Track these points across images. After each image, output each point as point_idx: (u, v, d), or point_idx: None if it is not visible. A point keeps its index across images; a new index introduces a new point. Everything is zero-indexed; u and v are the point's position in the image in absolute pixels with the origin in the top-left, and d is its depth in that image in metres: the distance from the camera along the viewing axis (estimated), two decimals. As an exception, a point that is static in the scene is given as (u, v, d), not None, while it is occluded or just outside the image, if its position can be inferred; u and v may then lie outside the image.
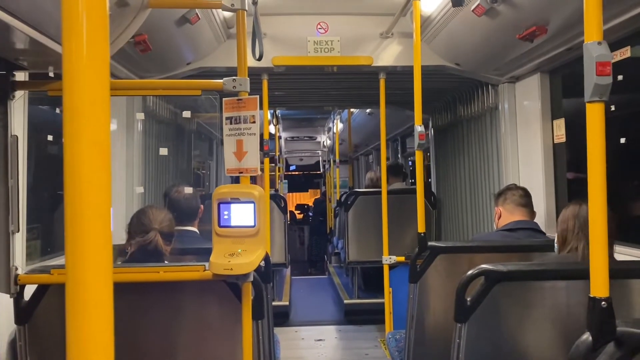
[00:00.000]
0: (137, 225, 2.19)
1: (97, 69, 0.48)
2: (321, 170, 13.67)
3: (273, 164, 9.01)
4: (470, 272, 1.79)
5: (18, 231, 1.75)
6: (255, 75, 3.27)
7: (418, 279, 2.51)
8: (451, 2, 2.61)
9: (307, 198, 14.93)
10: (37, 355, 1.79)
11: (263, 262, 1.85)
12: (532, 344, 1.80)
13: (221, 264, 1.61)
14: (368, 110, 6.91)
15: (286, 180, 10.89)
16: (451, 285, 2.02)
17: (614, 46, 2.39)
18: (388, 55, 3.58)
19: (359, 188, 10.41)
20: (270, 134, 5.14)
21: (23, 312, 1.77)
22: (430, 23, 3.23)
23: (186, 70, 3.43)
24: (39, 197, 2.37)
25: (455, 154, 4.62)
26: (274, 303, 4.89)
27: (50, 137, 2.63)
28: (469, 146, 4.27)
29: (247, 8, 1.80)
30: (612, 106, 2.72)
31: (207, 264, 1.68)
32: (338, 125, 8.58)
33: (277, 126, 8.30)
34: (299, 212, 13.34)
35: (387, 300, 3.63)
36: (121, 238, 2.29)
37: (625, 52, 2.43)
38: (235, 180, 1.81)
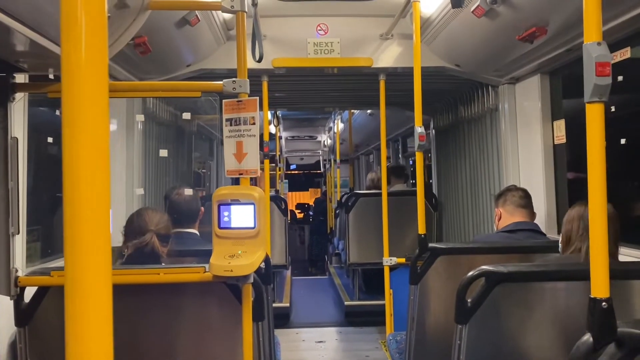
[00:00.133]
0: (133, 227, 2.19)
1: (96, 71, 0.48)
2: (322, 169, 13.67)
3: (273, 164, 9.01)
4: (470, 273, 1.79)
5: (18, 233, 1.75)
6: (255, 76, 3.28)
7: (419, 280, 2.51)
8: (451, 4, 2.61)
9: (308, 197, 14.93)
10: (38, 357, 1.78)
11: (263, 263, 1.85)
12: (533, 345, 1.80)
13: (221, 266, 1.61)
14: (369, 111, 6.91)
15: (286, 180, 10.89)
16: (452, 287, 2.02)
17: (613, 47, 2.39)
18: (388, 56, 3.58)
19: (360, 188, 10.46)
20: (270, 134, 5.15)
21: (23, 314, 1.76)
22: (430, 24, 3.24)
23: (186, 72, 3.43)
24: (39, 199, 2.37)
25: (455, 155, 4.62)
26: (274, 304, 4.89)
27: (50, 139, 2.63)
28: (469, 147, 4.27)
29: (247, 10, 1.80)
30: (612, 107, 2.72)
31: (207, 266, 1.68)
32: (339, 125, 8.59)
33: (278, 126, 8.31)
34: (299, 211, 13.34)
35: (388, 301, 3.63)
36: (119, 240, 2.30)
37: (625, 53, 2.43)
38: (236, 181, 1.81)
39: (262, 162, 3.25)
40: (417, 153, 2.81)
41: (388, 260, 3.65)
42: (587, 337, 1.12)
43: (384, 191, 3.82)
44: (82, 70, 0.47)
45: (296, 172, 15.09)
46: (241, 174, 1.75)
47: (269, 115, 4.81)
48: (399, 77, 3.72)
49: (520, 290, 1.81)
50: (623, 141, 2.80)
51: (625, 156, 2.86)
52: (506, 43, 2.89)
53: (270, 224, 4.64)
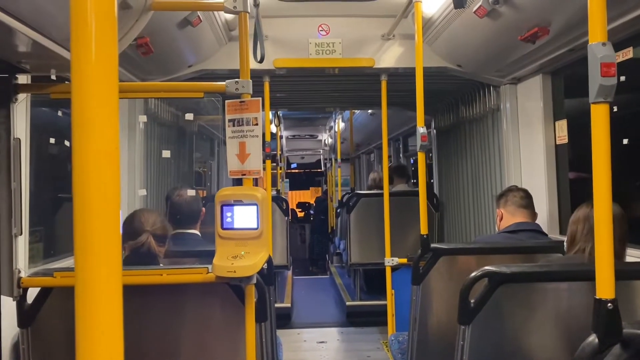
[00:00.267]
0: (129, 228, 2.19)
1: (106, 72, 0.48)
2: (322, 168, 13.68)
3: (274, 164, 9.00)
4: (473, 273, 1.78)
5: (21, 234, 1.75)
6: (256, 77, 3.28)
7: (421, 280, 2.50)
8: (453, 4, 2.61)
9: (309, 196, 14.92)
10: (40, 358, 1.78)
11: (265, 264, 1.85)
12: (536, 346, 1.80)
13: (224, 267, 1.60)
14: (370, 110, 6.92)
15: (287, 179, 10.88)
16: (454, 287, 2.02)
17: (616, 47, 2.38)
18: (390, 57, 3.58)
19: (361, 187, 10.46)
20: (271, 133, 5.15)
21: (26, 315, 1.76)
22: (431, 25, 3.23)
23: (188, 73, 3.42)
24: (41, 200, 2.36)
25: (457, 155, 4.62)
26: (275, 305, 4.88)
27: (52, 140, 2.63)
28: (471, 147, 4.27)
29: (249, 10, 1.80)
30: (614, 107, 2.72)
31: (210, 267, 1.68)
32: (339, 125, 8.59)
33: (279, 126, 8.31)
34: (300, 210, 13.34)
35: (390, 302, 3.63)
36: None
37: (627, 53, 2.43)
38: (237, 181, 1.81)
39: (263, 162, 3.24)
40: (419, 153, 2.80)
41: (390, 261, 3.64)
42: (593, 338, 1.11)
43: (386, 191, 3.82)
44: (92, 71, 0.47)
45: (297, 171, 15.09)
46: (244, 175, 1.75)
47: (270, 115, 4.81)
48: (401, 78, 3.72)
49: (523, 290, 1.80)
50: (625, 141, 2.80)
51: (627, 156, 2.86)
52: (508, 43, 2.88)
53: (272, 225, 4.64)
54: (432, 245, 2.55)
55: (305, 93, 4.86)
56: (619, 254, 1.87)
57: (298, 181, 14.87)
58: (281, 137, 9.69)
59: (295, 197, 14.70)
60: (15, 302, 1.75)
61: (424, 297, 2.51)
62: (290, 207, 7.94)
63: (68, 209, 2.74)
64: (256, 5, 2.03)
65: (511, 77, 3.54)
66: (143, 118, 3.39)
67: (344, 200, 5.64)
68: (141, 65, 2.99)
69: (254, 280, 1.68)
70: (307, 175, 15.25)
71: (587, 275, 1.57)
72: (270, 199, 3.72)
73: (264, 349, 1.88)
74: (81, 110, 0.48)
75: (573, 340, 1.61)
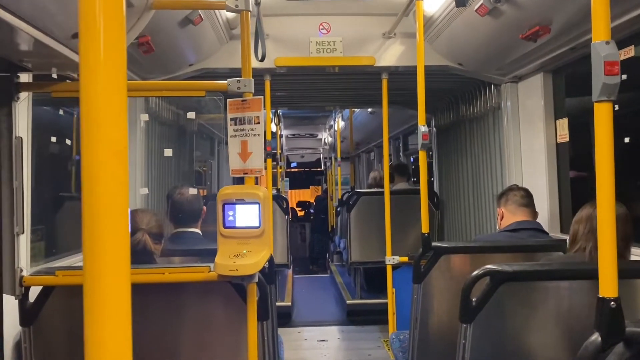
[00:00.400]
0: None
1: (114, 71, 0.48)
2: (322, 167, 13.68)
3: (275, 162, 9.00)
4: (475, 272, 1.78)
5: (23, 233, 1.75)
6: (257, 76, 3.27)
7: (422, 279, 2.50)
8: (455, 2, 2.61)
9: (309, 195, 14.92)
10: (42, 357, 1.79)
11: (267, 263, 1.85)
12: (538, 345, 1.80)
13: (226, 265, 1.61)
14: (370, 109, 6.92)
15: (287, 178, 10.88)
16: (455, 286, 2.02)
17: (618, 45, 2.38)
18: (390, 55, 3.57)
19: (361, 185, 10.46)
20: (271, 132, 5.14)
21: (28, 314, 1.76)
22: (433, 23, 3.23)
23: (189, 72, 3.42)
24: (43, 199, 2.36)
25: (457, 154, 4.62)
26: (276, 303, 4.88)
27: (54, 138, 2.63)
28: (471, 146, 4.27)
29: (250, 9, 1.80)
30: (616, 105, 2.71)
31: (212, 265, 1.68)
32: (339, 123, 8.58)
33: (279, 125, 8.31)
34: (300, 209, 13.34)
35: (390, 300, 3.63)
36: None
37: (629, 52, 2.42)
38: (238, 180, 1.81)
39: (264, 161, 3.24)
40: (420, 152, 2.80)
41: (391, 259, 3.64)
42: (596, 337, 1.11)
43: (387, 189, 3.82)
44: (101, 70, 0.47)
45: (297, 169, 15.08)
46: (246, 173, 1.75)
47: (270, 114, 4.81)
48: (401, 76, 3.72)
49: (524, 289, 1.80)
50: (627, 140, 2.80)
51: (628, 155, 2.86)
52: (509, 42, 2.88)
53: (272, 224, 4.63)
54: (433, 243, 2.55)
55: (305, 92, 4.85)
56: (622, 254, 1.87)
57: (298, 180, 14.87)
58: (281, 136, 9.68)
59: (295, 196, 14.70)
60: (17, 301, 1.75)
61: (425, 295, 2.51)
62: (290, 206, 7.93)
63: (70, 208, 2.74)
64: (257, 3, 2.03)
65: (512, 76, 3.54)
66: (145, 117, 3.39)
67: (344, 198, 5.63)
68: (142, 64, 2.99)
69: (256, 279, 1.68)
70: (307, 174, 15.25)
71: (589, 274, 1.57)
72: (271, 197, 3.72)
73: (265, 347, 1.88)
74: (90, 109, 0.48)
75: (575, 338, 1.61)
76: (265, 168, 3.45)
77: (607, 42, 1.12)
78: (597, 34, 1.14)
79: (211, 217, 2.83)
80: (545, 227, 2.87)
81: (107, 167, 0.48)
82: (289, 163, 13.80)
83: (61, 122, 2.77)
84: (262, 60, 2.12)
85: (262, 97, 1.77)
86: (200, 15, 2.70)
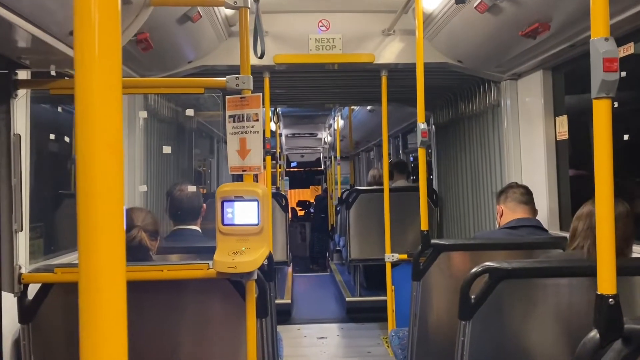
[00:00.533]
0: None
1: (109, 67, 0.47)
2: (322, 166, 13.68)
3: (274, 161, 9.01)
4: (474, 269, 1.78)
5: (21, 230, 1.75)
6: (256, 73, 3.27)
7: (421, 276, 2.51)
8: (454, 0, 2.61)
9: (309, 195, 14.93)
10: (41, 354, 1.79)
11: (266, 260, 1.85)
12: (537, 342, 1.80)
13: (225, 262, 1.61)
14: (369, 107, 6.91)
15: (287, 178, 10.88)
16: (454, 283, 2.02)
17: (617, 42, 2.37)
18: (390, 52, 3.57)
19: (360, 184, 10.45)
20: (271, 131, 5.14)
21: (27, 311, 1.76)
22: (432, 20, 3.23)
23: (187, 69, 3.42)
24: (42, 196, 2.36)
25: (456, 151, 4.62)
26: (276, 301, 4.89)
27: (52, 136, 2.63)
28: (470, 143, 4.26)
29: (249, 6, 1.80)
30: (615, 103, 2.71)
31: (211, 262, 1.68)
32: (339, 122, 8.58)
33: (278, 124, 8.31)
34: (300, 208, 13.34)
35: (390, 298, 3.63)
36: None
37: (628, 49, 2.42)
38: (237, 178, 1.81)
39: (263, 159, 3.24)
40: (419, 149, 2.80)
41: (390, 257, 3.65)
42: (594, 334, 1.11)
43: (386, 187, 3.82)
44: (96, 66, 0.47)
45: (297, 169, 15.08)
46: (244, 171, 1.75)
47: (270, 112, 4.81)
48: (401, 73, 3.72)
49: (523, 286, 1.81)
50: (626, 137, 2.80)
51: (626, 152, 2.86)
52: (509, 39, 2.88)
53: (272, 221, 4.64)
54: (433, 241, 2.55)
55: (305, 89, 4.85)
56: (623, 252, 1.87)
57: (298, 180, 14.86)
58: (280, 135, 9.68)
59: (295, 196, 14.69)
60: (16, 298, 1.75)
61: (424, 293, 2.52)
62: (290, 205, 7.94)
63: (69, 205, 2.74)
64: (256, 0, 2.03)
65: (512, 73, 3.54)
66: (143, 114, 3.39)
67: (343, 196, 5.63)
68: (140, 61, 2.99)
69: (255, 276, 1.68)
70: (307, 174, 15.25)
71: (587, 271, 1.57)
72: (270, 195, 3.72)
73: (264, 344, 1.89)
74: (85, 105, 0.47)
75: (573, 335, 1.62)
76: (265, 166, 3.45)
77: (606, 39, 1.12)
78: (596, 31, 1.13)
79: (211, 215, 2.83)
80: (545, 225, 2.87)
81: (102, 164, 0.48)
82: (289, 163, 13.80)
83: (60, 119, 2.77)
84: (261, 57, 2.11)
85: (261, 94, 1.76)
86: (199, 12, 2.70)
